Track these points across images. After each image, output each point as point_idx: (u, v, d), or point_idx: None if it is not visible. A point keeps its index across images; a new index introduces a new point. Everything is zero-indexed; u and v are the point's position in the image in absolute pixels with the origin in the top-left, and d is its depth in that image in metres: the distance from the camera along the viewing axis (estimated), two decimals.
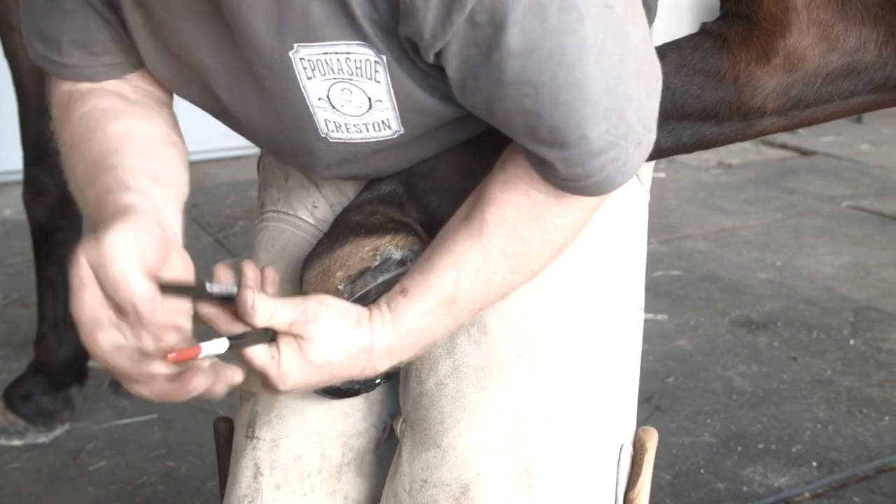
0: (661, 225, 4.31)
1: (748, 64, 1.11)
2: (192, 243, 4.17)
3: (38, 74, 2.12)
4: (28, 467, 2.69)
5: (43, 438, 2.80)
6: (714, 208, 4.80)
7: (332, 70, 1.01)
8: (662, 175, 5.04)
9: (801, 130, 5.91)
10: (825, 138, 6.02)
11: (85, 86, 1.15)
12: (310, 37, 0.99)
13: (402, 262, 1.17)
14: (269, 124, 1.13)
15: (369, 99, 1.04)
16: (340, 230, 1.21)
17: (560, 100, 0.93)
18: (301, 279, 1.23)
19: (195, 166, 4.61)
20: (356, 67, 1.00)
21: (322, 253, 1.20)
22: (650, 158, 1.23)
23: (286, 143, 1.16)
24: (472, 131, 1.16)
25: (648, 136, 1.01)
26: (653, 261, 3.84)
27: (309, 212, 1.34)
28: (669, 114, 1.16)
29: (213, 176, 5.18)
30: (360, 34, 0.97)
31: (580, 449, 1.15)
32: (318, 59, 1.01)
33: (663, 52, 1.17)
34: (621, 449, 1.20)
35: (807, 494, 2.56)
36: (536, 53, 0.90)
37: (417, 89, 1.02)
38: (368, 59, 0.99)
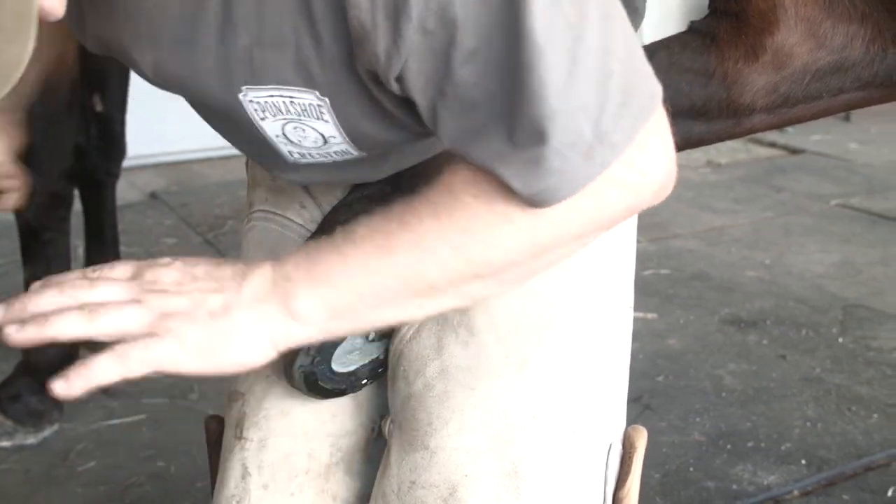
0: (650, 224, 4.32)
1: (737, 61, 1.11)
2: (181, 243, 4.19)
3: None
4: (17, 468, 2.68)
5: (31, 439, 2.79)
6: (703, 207, 4.81)
7: (281, 111, 1.01)
8: None
9: (789, 129, 5.92)
10: (814, 137, 6.04)
11: None
12: (255, 80, 0.98)
13: None
14: (244, 143, 1.14)
15: (322, 136, 1.03)
16: (329, 229, 1.21)
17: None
18: None
19: (185, 166, 4.61)
20: (302, 110, 1.00)
21: None
22: None
23: (262, 157, 1.16)
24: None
25: (604, 151, 0.89)
26: (642, 260, 3.85)
27: (297, 212, 1.34)
28: None
29: (202, 175, 5.17)
30: (302, 78, 0.96)
31: (568, 449, 1.15)
32: (265, 101, 1.00)
33: (652, 50, 1.17)
34: (610, 448, 1.20)
35: (796, 492, 2.57)
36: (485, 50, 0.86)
37: (370, 124, 1.00)
38: (311, 104, 0.98)
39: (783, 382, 3.11)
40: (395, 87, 0.92)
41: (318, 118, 1.00)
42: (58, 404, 2.85)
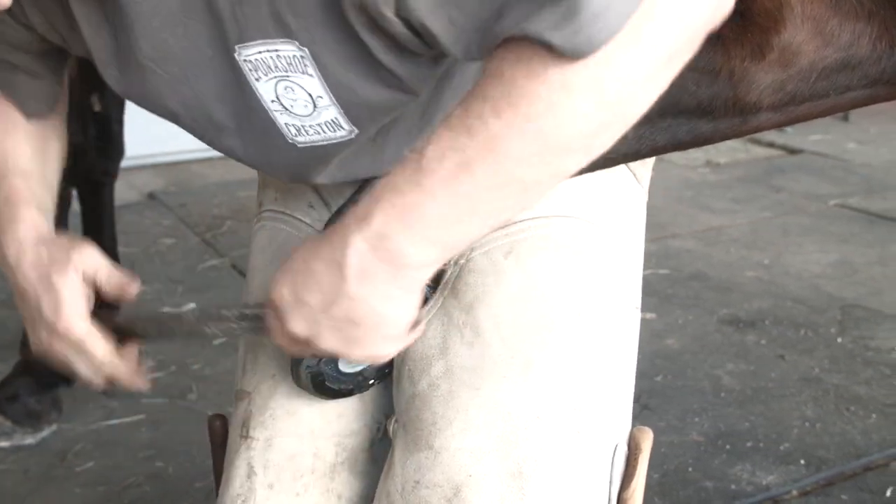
0: (649, 223, 4.28)
1: (743, 60, 1.11)
2: (179, 243, 4.19)
3: None
4: (15, 468, 2.67)
5: (30, 439, 2.78)
6: (702, 207, 4.81)
7: (271, 67, 1.00)
8: (650, 174, 5.02)
9: (788, 129, 5.93)
10: (812, 137, 6.04)
11: None
12: (244, 37, 0.98)
13: None
14: (248, 146, 1.14)
15: (310, 95, 1.02)
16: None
17: None
18: None
19: (183, 166, 4.61)
20: (287, 64, 0.99)
21: None
22: (648, 155, 1.23)
23: (266, 159, 1.17)
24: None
25: None
26: None
27: (305, 212, 1.34)
28: (665, 111, 1.15)
29: (201, 175, 5.17)
30: (280, 29, 0.96)
31: (573, 450, 1.15)
32: (256, 59, 1.00)
33: None
34: (616, 449, 1.20)
35: (795, 492, 2.57)
36: None
37: (353, 77, 0.99)
38: (294, 55, 0.98)
39: (782, 382, 3.11)
40: (390, 17, 0.89)
41: (303, 72, 0.99)
42: (56, 404, 2.85)
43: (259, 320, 1.07)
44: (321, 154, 1.11)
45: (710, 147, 5.58)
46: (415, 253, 0.92)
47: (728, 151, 5.77)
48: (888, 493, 2.57)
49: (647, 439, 1.23)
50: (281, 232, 1.35)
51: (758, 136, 5.88)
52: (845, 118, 6.32)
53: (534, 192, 0.93)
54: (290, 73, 1.00)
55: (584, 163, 0.91)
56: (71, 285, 1.13)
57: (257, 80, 1.02)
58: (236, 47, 1.00)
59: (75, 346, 1.15)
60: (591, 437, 1.16)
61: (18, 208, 1.19)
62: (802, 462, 2.69)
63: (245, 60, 1.00)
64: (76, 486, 2.60)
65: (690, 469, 2.66)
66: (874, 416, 2.92)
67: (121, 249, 3.29)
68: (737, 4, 1.13)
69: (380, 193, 0.92)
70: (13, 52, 1.20)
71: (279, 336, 1.03)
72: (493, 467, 1.12)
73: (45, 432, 2.81)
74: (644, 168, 1.33)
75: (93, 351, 1.15)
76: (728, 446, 2.77)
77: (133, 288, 1.18)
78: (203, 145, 1.22)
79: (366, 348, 0.99)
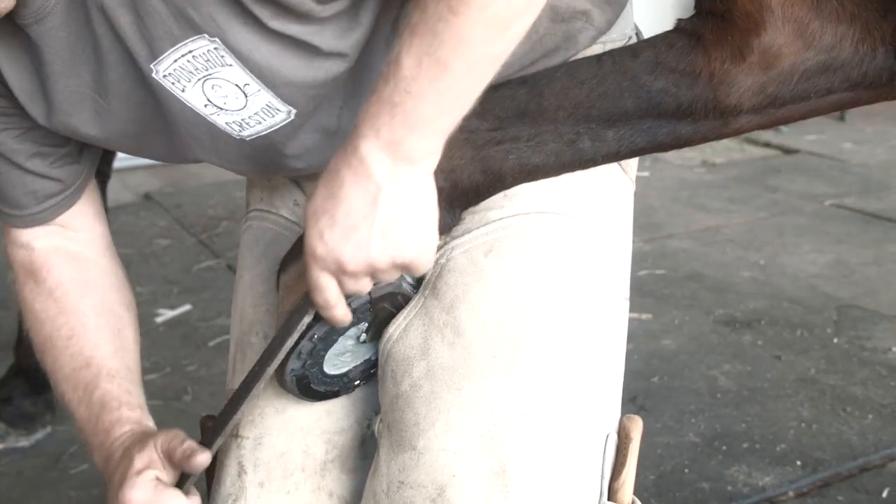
0: (644, 224, 4.31)
1: (723, 62, 1.11)
2: (175, 244, 4.17)
3: None
4: (9, 471, 2.67)
5: (24, 442, 2.78)
6: (698, 207, 4.81)
7: (191, 71, 1.04)
8: (646, 174, 5.04)
9: (784, 128, 5.93)
10: (808, 137, 6.04)
11: (41, 247, 1.30)
12: (155, 53, 1.02)
13: None
14: (208, 153, 1.18)
15: (237, 86, 1.05)
16: None
17: None
18: (277, 281, 1.23)
19: (179, 166, 4.57)
20: (205, 61, 1.03)
21: (297, 255, 1.19)
22: (628, 156, 1.23)
23: (225, 159, 1.20)
24: None
25: None
26: (637, 260, 3.84)
27: (291, 209, 1.36)
28: (645, 112, 1.15)
29: (196, 176, 5.17)
30: (187, 27, 1.00)
31: (559, 446, 1.15)
32: (175, 69, 1.04)
33: (638, 49, 1.16)
34: (607, 439, 1.20)
35: (791, 493, 2.57)
36: None
37: (267, 54, 1.03)
38: (208, 49, 1.02)
39: (778, 383, 3.11)
40: None
41: (222, 64, 1.03)
42: (50, 406, 2.85)
43: (308, 307, 1.10)
44: (271, 143, 1.14)
45: (705, 147, 5.59)
46: (424, 146, 1.01)
47: (724, 151, 5.77)
48: (884, 494, 2.56)
49: (637, 428, 1.23)
50: (268, 231, 1.36)
51: (754, 135, 5.88)
52: (841, 118, 6.32)
53: (502, 59, 1.02)
54: (210, 70, 1.03)
55: (534, 17, 1.01)
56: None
57: (183, 90, 1.06)
58: (151, 66, 1.03)
59: None
60: (579, 432, 1.16)
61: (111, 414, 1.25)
62: (799, 463, 2.69)
63: (165, 76, 1.04)
64: (70, 488, 2.60)
65: (687, 470, 2.66)
66: (870, 416, 2.91)
67: (117, 250, 3.28)
68: (717, 6, 1.13)
69: (376, 109, 1.00)
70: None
71: (340, 286, 1.06)
72: (477, 467, 1.12)
73: (40, 434, 2.81)
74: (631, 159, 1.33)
75: None
76: (724, 447, 2.76)
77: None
78: None
79: (416, 242, 1.04)
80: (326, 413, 1.28)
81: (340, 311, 1.09)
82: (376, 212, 1.01)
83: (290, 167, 1.20)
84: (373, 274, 1.06)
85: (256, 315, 1.34)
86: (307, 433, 1.27)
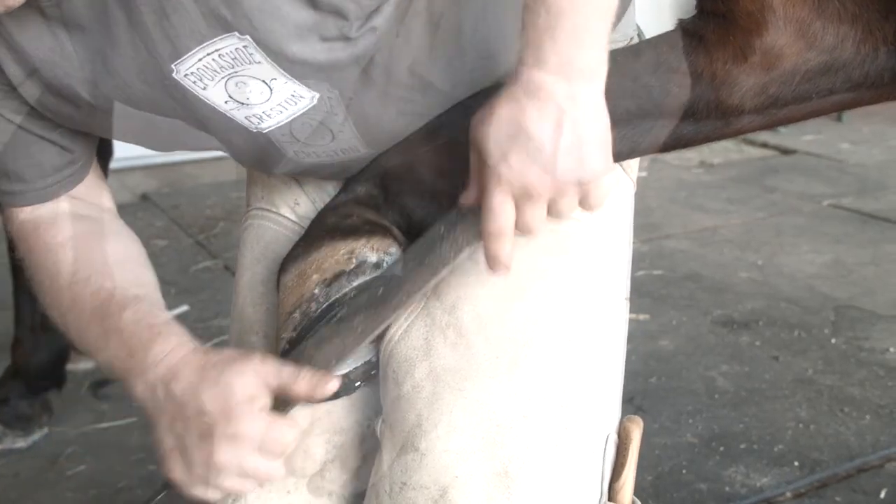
0: (643, 224, 4.31)
1: (725, 62, 1.11)
2: (172, 245, 4.16)
3: None
4: (6, 472, 2.67)
5: (21, 443, 2.78)
6: (696, 207, 4.81)
7: (216, 70, 1.03)
8: (644, 174, 5.03)
9: (782, 129, 5.93)
10: (806, 137, 6.04)
11: (45, 210, 1.27)
12: (179, 52, 1.01)
13: (377, 266, 1.16)
14: (225, 143, 1.17)
15: (264, 83, 1.05)
16: (316, 232, 1.20)
17: None
18: (278, 282, 1.23)
19: (176, 167, 4.58)
20: (232, 59, 1.02)
21: (298, 256, 1.19)
22: (630, 157, 1.23)
23: (242, 153, 1.19)
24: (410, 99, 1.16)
25: None
26: (635, 260, 3.83)
27: (291, 209, 1.35)
28: (647, 112, 1.15)
29: (193, 177, 5.16)
30: (218, 26, 0.99)
31: (561, 447, 1.14)
32: (197, 68, 1.03)
33: (639, 50, 1.16)
34: (607, 440, 1.20)
35: (789, 494, 2.57)
36: None
37: (298, 43, 1.02)
38: (237, 48, 1.01)
39: (775, 384, 3.11)
40: None
41: (250, 62, 1.02)
42: (47, 408, 2.84)
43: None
44: (295, 134, 1.14)
45: (703, 147, 5.58)
46: (592, 59, 1.02)
47: (722, 152, 5.78)
48: (882, 495, 2.56)
49: (637, 429, 1.23)
50: (268, 230, 1.36)
51: (751, 136, 5.89)
52: (838, 118, 6.32)
53: None
54: (237, 68, 1.03)
55: None
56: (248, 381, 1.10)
57: (204, 88, 1.05)
58: (172, 66, 1.02)
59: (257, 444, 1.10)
60: (580, 433, 1.16)
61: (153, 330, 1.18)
62: (796, 464, 2.69)
63: (186, 75, 1.03)
64: (68, 489, 2.60)
65: (684, 471, 2.66)
66: (868, 417, 2.92)
67: None
68: (719, 6, 1.12)
69: (536, 40, 1.02)
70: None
71: (518, 212, 1.05)
72: (479, 468, 1.12)
73: (37, 436, 2.80)
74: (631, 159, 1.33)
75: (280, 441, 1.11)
76: (722, 448, 2.76)
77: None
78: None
79: (599, 161, 1.04)
80: (326, 413, 1.27)
81: (507, 248, 1.07)
82: (561, 134, 1.02)
83: (300, 162, 1.20)
84: (555, 197, 1.05)
85: (256, 315, 1.34)
86: (307, 433, 1.26)
